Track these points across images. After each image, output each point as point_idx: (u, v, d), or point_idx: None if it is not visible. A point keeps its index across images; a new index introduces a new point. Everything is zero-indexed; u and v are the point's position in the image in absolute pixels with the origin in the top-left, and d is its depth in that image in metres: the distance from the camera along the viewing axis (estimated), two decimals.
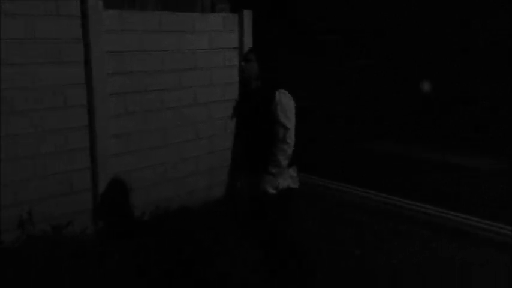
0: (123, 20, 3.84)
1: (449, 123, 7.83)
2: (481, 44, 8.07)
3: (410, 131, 7.66)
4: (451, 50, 8.36)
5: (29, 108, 3.42)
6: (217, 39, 4.53)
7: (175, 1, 4.49)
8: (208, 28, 4.45)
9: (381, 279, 3.40)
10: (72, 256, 3.19)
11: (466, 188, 5.33)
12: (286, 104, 2.84)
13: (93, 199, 3.78)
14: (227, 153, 4.61)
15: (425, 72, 8.63)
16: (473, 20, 8.15)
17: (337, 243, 3.87)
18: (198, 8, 4.51)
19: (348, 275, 3.41)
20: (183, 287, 3.15)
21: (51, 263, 3.08)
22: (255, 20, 4.77)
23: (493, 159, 6.29)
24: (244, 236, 3.57)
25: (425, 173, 5.90)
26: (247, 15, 4.71)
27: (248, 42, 4.72)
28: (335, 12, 9.95)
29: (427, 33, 8.63)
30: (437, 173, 5.87)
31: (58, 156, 3.59)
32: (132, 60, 3.93)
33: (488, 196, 5.05)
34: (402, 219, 4.43)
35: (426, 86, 8.65)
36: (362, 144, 7.19)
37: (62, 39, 3.52)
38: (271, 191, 2.87)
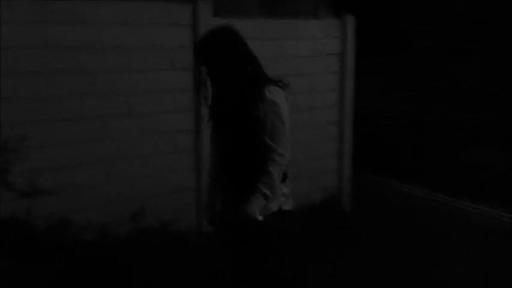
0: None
1: None
2: None
3: None
4: None
5: (147, 111, 3.70)
6: (319, 45, 4.55)
7: (279, 8, 4.57)
8: (311, 34, 4.48)
9: None
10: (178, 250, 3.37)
11: None
12: (279, 104, 2.19)
13: (197, 198, 3.97)
14: (327, 160, 4.62)
15: None
16: None
17: None
18: (301, 14, 4.55)
19: None
20: None
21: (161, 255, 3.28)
22: (358, 25, 4.72)
23: None
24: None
25: None
26: (350, 21, 4.67)
27: (351, 49, 4.68)
28: (439, 16, 9.54)
29: None
30: None
31: (168, 156, 3.83)
32: None
33: None
34: None
35: None
36: (467, 152, 6.81)
37: (175, 46, 3.76)
38: (260, 217, 2.15)
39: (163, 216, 3.73)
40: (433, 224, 4.48)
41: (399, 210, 4.79)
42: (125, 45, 3.55)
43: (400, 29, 10.19)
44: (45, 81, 3.28)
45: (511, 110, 8.10)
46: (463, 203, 5.05)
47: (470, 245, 4.08)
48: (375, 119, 9.40)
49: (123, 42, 3.54)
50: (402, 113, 9.17)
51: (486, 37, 9.18)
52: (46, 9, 3.24)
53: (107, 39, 3.46)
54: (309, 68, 4.51)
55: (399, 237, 4.17)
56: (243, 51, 2.21)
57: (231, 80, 2.18)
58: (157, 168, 3.80)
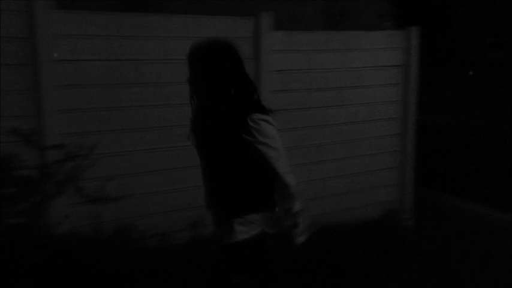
0: (290, 40, 4.03)
1: None
2: None
3: None
4: None
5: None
6: (381, 56, 4.49)
7: (342, 20, 4.57)
8: (373, 46, 4.43)
9: None
10: None
11: None
12: (272, 132, 2.01)
13: None
14: (388, 173, 4.52)
15: None
16: None
17: None
18: (365, 26, 4.52)
19: None
20: None
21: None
22: (421, 36, 4.63)
23: None
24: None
25: None
26: (414, 32, 4.58)
27: (414, 61, 4.59)
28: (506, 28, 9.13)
29: None
30: None
31: None
32: (297, 79, 4.10)
33: None
34: None
35: None
36: None
37: None
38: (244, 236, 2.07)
39: None
40: (499, 244, 4.27)
41: (461, 228, 4.60)
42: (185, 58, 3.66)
43: (462, 42, 9.86)
44: (115, 92, 3.45)
45: None
46: None
47: None
48: (436, 132, 9.11)
49: (184, 55, 3.64)
50: (464, 126, 8.83)
51: None
52: (117, 23, 3.42)
53: (171, 52, 3.59)
54: (370, 80, 4.46)
55: (461, 256, 4.00)
56: (230, 72, 2.00)
57: (210, 99, 2.01)
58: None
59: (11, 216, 2.95)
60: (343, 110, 4.36)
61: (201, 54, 2.02)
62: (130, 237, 3.53)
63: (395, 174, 4.67)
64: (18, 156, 3.06)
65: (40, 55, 3.17)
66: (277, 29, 3.90)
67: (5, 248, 2.76)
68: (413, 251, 3.98)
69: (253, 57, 3.85)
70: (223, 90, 1.98)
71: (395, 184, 4.67)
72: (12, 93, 3.17)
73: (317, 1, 4.64)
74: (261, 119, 1.97)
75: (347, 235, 4.05)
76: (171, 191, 3.71)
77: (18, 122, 3.15)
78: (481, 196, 5.49)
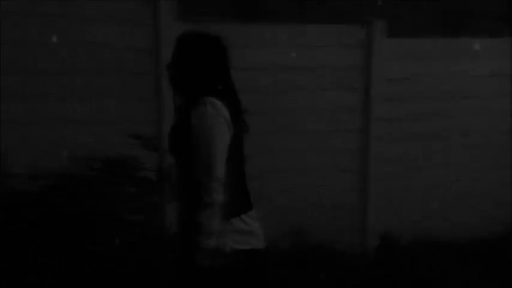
0: (403, 47, 3.93)
1: None
2: None
3: None
4: None
5: (312, 129, 3.79)
6: (496, 65, 4.22)
7: (458, 27, 4.36)
8: (489, 54, 4.18)
9: None
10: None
11: None
12: (209, 122, 1.71)
13: (361, 220, 3.94)
14: (503, 189, 4.25)
15: None
16: None
17: None
18: (482, 33, 4.28)
19: None
20: None
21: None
22: None
23: None
24: None
25: None
26: None
27: None
28: None
29: None
30: None
31: (331, 176, 3.86)
32: (405, 87, 3.98)
33: None
34: None
35: None
36: None
37: (342, 66, 3.81)
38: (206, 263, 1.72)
39: (324, 235, 3.76)
40: None
41: None
42: (294, 65, 3.70)
43: None
44: None
45: None
46: None
47: None
48: None
49: (293, 63, 3.69)
50: None
51: None
52: (227, 32, 3.53)
53: (280, 61, 3.64)
54: (483, 89, 4.21)
55: None
56: (218, 67, 1.86)
57: (185, 89, 1.83)
58: (320, 186, 3.85)
59: (132, 213, 3.13)
60: (457, 121, 4.15)
61: (191, 43, 1.85)
62: None
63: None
64: (139, 159, 3.25)
65: (164, 64, 3.35)
66: (389, 36, 3.81)
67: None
68: None
69: (364, 65, 3.80)
70: (210, 83, 1.80)
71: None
72: (135, 100, 3.38)
73: (431, 7, 4.47)
74: (212, 104, 1.71)
75: (458, 254, 3.84)
76: (273, 197, 3.73)
77: (140, 127, 3.35)
78: None
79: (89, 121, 3.23)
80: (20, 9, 3.04)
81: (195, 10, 3.55)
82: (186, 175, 1.77)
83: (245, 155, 1.91)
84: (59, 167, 2.86)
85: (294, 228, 3.71)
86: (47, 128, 3.12)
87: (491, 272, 3.59)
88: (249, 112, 1.92)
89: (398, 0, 4.38)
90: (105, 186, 3.02)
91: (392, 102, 3.92)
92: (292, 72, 3.68)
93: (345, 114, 3.86)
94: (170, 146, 1.84)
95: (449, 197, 4.20)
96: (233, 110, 1.79)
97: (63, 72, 3.17)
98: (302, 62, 3.69)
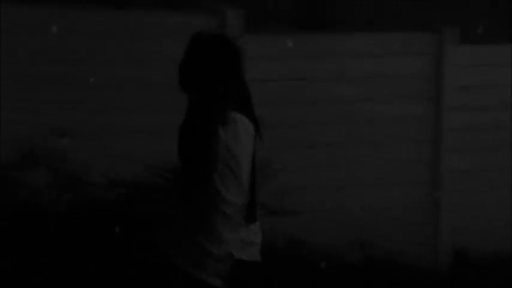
0: (473, 54, 3.82)
1: None
2: None
3: None
4: None
5: (382, 140, 3.73)
6: None
7: None
8: None
9: None
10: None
11: None
12: (239, 136, 1.66)
13: (430, 234, 3.82)
14: None
15: None
16: None
17: None
18: None
19: None
20: None
21: None
22: None
23: None
24: None
25: None
26: None
27: None
28: None
29: None
30: None
31: (401, 188, 3.77)
32: (477, 95, 3.84)
33: None
34: None
35: None
36: None
37: (412, 75, 3.72)
38: (216, 282, 1.65)
39: (394, 248, 3.67)
40: None
41: None
42: (362, 75, 3.67)
43: None
44: (297, 110, 3.58)
45: None
46: None
47: None
48: None
49: (364, 73, 3.66)
50: None
51: None
52: (298, 43, 3.57)
53: (351, 71, 3.63)
54: None
55: None
56: (224, 69, 1.74)
57: (196, 94, 1.75)
58: (389, 198, 3.77)
59: None
60: None
61: (199, 44, 1.77)
62: (301, 251, 3.59)
63: None
64: None
65: None
66: (463, 43, 3.70)
67: None
68: None
69: (434, 74, 3.70)
70: (211, 85, 1.69)
71: None
72: None
73: (499, 12, 4.30)
74: (240, 119, 1.64)
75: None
76: (341, 209, 3.71)
77: None
78: None
79: (163, 132, 3.35)
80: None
81: (263, 20, 3.60)
82: (193, 180, 1.67)
83: (256, 166, 1.90)
84: (135, 176, 3.00)
85: (362, 241, 3.66)
86: (125, 139, 3.27)
87: None
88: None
89: (466, 6, 4.23)
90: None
91: (464, 111, 3.79)
92: (360, 81, 3.65)
93: (415, 124, 3.77)
94: (179, 149, 1.75)
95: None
96: (254, 122, 1.72)
97: (141, 87, 3.33)
98: (370, 71, 3.65)
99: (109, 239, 2.62)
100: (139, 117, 3.29)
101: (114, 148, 3.22)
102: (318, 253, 3.60)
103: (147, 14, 3.32)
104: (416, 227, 3.79)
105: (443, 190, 3.78)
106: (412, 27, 3.80)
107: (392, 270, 3.45)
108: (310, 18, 3.83)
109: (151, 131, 3.32)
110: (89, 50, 3.16)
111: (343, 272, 3.42)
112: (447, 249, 3.82)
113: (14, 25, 3.01)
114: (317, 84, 3.59)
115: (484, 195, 3.91)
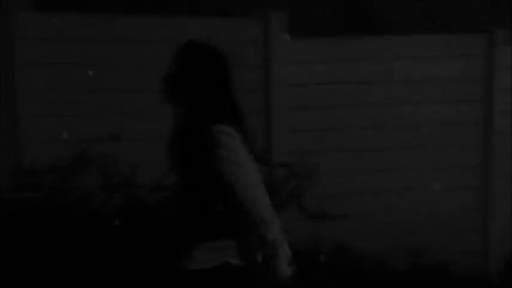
0: None
1: None
2: None
3: None
4: None
5: (430, 144, 3.65)
6: None
7: None
8: None
9: None
10: None
11: None
12: (230, 148, 1.61)
13: (482, 241, 3.69)
14: None
15: None
16: None
17: None
18: None
19: None
20: None
21: None
22: None
23: None
24: None
25: None
26: None
27: None
28: None
29: None
30: None
31: (450, 193, 3.67)
32: None
33: None
34: None
35: None
36: None
37: (460, 78, 3.62)
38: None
39: (442, 255, 3.56)
40: None
41: None
42: (413, 78, 3.61)
43: None
44: (338, 113, 3.56)
45: None
46: None
47: None
48: None
49: (412, 75, 3.61)
50: None
51: None
52: (340, 47, 3.55)
53: (395, 74, 3.57)
54: None
55: None
56: (213, 78, 1.73)
57: (185, 103, 1.73)
58: (439, 204, 3.67)
59: None
60: None
61: (189, 52, 1.76)
62: (346, 257, 3.55)
63: None
64: None
65: (272, 80, 3.47)
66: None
67: None
68: None
69: (485, 75, 3.60)
70: (200, 95, 1.69)
71: None
72: (246, 115, 3.49)
73: None
74: (220, 132, 1.60)
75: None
76: (388, 215, 3.64)
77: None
78: None
79: None
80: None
81: (307, 24, 3.61)
82: (192, 200, 1.70)
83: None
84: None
85: (410, 248, 3.57)
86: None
87: None
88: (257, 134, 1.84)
89: None
90: None
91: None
92: (407, 84, 3.61)
93: (464, 127, 3.67)
94: (171, 164, 1.76)
95: None
96: (240, 130, 1.68)
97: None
98: (418, 73, 3.60)
99: (152, 241, 2.68)
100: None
101: (161, 152, 3.29)
102: (364, 259, 3.54)
103: (191, 21, 3.38)
104: (465, 234, 3.68)
105: (494, 195, 3.64)
106: (461, 28, 3.70)
107: (441, 278, 3.35)
108: (356, 21, 3.80)
109: None
110: (138, 57, 3.26)
111: (390, 280, 3.35)
112: (497, 257, 3.69)
113: (70, 33, 3.14)
114: (364, 88, 3.55)
115: None
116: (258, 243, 1.60)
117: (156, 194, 2.94)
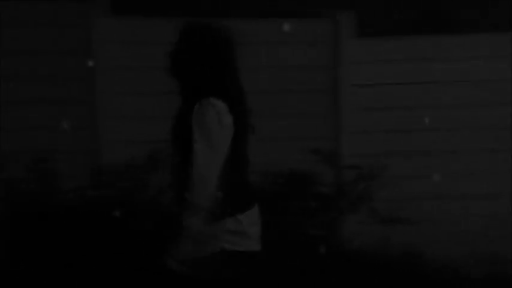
0: None
1: None
2: None
3: None
4: None
5: (501, 146, 3.47)
6: None
7: None
8: None
9: None
10: None
11: None
12: (209, 121, 1.61)
13: None
14: None
15: None
16: None
17: None
18: None
19: None
20: None
21: None
22: None
23: None
24: None
25: None
26: None
27: None
28: None
29: None
30: None
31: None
32: None
33: None
34: None
35: None
36: None
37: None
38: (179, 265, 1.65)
39: None
40: None
41: None
42: (487, 78, 3.48)
43: None
44: (408, 115, 3.48)
45: None
46: None
47: None
48: None
49: (486, 76, 3.47)
50: None
51: None
52: (410, 47, 3.47)
53: (468, 74, 3.45)
54: None
55: None
56: (212, 57, 1.73)
57: (185, 81, 1.75)
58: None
59: (311, 228, 3.23)
60: None
61: (198, 35, 1.75)
62: (417, 262, 3.45)
63: None
64: (318, 174, 3.33)
65: (340, 81, 3.44)
66: None
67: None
68: None
69: None
70: (213, 79, 1.70)
71: None
72: (313, 117, 3.50)
73: None
74: (213, 105, 1.62)
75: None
76: (463, 220, 3.49)
77: (319, 143, 3.45)
78: None
79: (272, 138, 3.44)
80: None
81: (371, 25, 3.56)
82: (184, 169, 1.69)
83: (248, 156, 1.82)
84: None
85: (484, 255, 3.40)
86: None
87: None
88: (256, 113, 1.83)
89: None
90: (287, 200, 3.19)
91: None
92: (481, 85, 3.47)
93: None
94: (171, 137, 1.79)
95: None
96: (237, 109, 1.70)
97: (255, 93, 3.43)
98: (492, 74, 3.47)
99: None
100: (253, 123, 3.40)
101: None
102: (436, 266, 3.42)
103: (259, 23, 3.44)
104: None
105: None
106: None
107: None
108: (423, 20, 3.70)
109: (266, 137, 3.42)
110: None
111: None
112: None
113: (146, 37, 3.28)
114: (433, 88, 3.45)
115: None
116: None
117: None
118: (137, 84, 3.32)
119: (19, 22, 3.24)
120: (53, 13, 3.26)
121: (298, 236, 3.15)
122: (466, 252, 3.45)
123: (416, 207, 3.46)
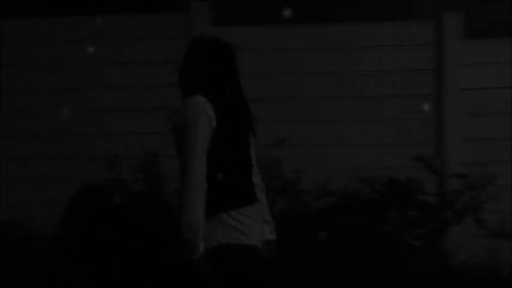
0: None
1: None
2: None
3: None
4: None
5: None
6: None
7: None
8: None
9: None
10: None
11: None
12: (191, 118, 1.69)
13: None
14: None
15: None
16: None
17: None
18: None
19: None
20: None
21: None
22: None
23: None
24: None
25: None
26: None
27: None
28: None
29: None
30: None
31: None
32: None
33: None
34: None
35: None
36: None
37: None
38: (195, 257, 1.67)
39: None
40: None
41: None
42: None
43: None
44: (506, 120, 3.29)
45: None
46: None
47: None
48: None
49: None
50: None
51: None
52: None
53: None
54: None
55: None
56: (217, 71, 1.82)
57: (186, 91, 1.83)
58: None
59: (414, 239, 3.11)
60: None
61: (197, 47, 1.86)
62: None
63: None
64: (420, 182, 3.20)
65: (445, 85, 3.30)
66: None
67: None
68: None
69: None
70: (217, 85, 1.79)
71: None
72: (414, 122, 3.38)
73: None
74: (195, 100, 1.72)
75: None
76: None
77: (420, 149, 3.32)
78: None
79: (371, 143, 3.38)
80: None
81: (483, 25, 3.36)
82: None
83: (252, 157, 1.86)
84: (345, 186, 3.10)
85: None
86: (336, 150, 3.41)
87: None
88: (257, 120, 1.88)
89: None
90: (387, 208, 3.11)
91: None
92: None
93: None
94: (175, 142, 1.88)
95: None
96: (228, 110, 1.77)
97: (346, 99, 3.43)
98: None
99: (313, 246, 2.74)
100: (353, 128, 3.40)
101: (328, 157, 3.40)
102: None
103: (356, 26, 3.40)
104: None
105: None
106: None
107: None
108: None
109: (364, 141, 3.40)
110: (301, 64, 3.42)
111: None
112: None
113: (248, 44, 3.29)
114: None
115: None
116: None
117: (319, 200, 3.01)
118: None
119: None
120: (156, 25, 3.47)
121: (399, 247, 3.05)
122: None
123: None
